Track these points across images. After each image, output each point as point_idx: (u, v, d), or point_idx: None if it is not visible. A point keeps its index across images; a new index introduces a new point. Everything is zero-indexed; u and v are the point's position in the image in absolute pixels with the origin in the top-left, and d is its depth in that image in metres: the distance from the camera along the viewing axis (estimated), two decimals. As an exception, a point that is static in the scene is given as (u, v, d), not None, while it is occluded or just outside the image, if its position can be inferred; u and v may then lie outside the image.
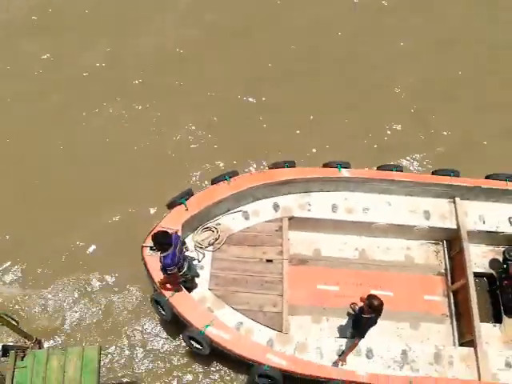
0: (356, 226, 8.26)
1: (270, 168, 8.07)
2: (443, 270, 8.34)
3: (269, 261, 7.81)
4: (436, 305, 8.10)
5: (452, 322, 7.92)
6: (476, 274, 8.32)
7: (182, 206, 7.43)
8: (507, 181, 8.04)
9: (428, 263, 8.42)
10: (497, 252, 8.44)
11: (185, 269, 6.48)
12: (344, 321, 7.86)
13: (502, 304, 8.05)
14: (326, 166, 8.15)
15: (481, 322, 7.92)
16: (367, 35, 11.26)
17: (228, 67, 10.71)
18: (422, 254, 8.47)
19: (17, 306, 8.06)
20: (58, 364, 5.96)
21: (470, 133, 9.96)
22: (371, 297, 6.17)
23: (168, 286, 6.78)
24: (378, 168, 8.25)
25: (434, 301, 8.15)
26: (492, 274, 8.32)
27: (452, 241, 8.31)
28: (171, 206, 7.47)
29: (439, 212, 8.21)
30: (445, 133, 10.04)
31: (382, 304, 6.09)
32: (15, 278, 8.38)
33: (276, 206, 8.14)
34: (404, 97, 10.39)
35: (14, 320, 6.32)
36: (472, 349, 7.21)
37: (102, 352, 6.76)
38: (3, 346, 6.05)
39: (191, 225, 7.69)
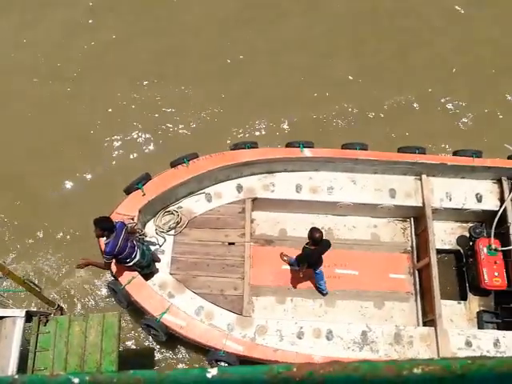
0: (321, 205, 8.15)
1: (231, 149, 7.88)
2: (410, 248, 8.29)
3: (231, 243, 7.75)
4: (401, 283, 8.09)
5: (416, 301, 7.93)
6: (444, 251, 8.34)
7: (139, 191, 7.30)
8: (474, 157, 7.86)
9: (395, 241, 8.36)
10: (465, 228, 8.38)
11: (137, 257, 6.41)
12: (308, 301, 7.89)
13: (467, 281, 8.04)
14: (288, 145, 7.97)
15: (447, 299, 7.99)
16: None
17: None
18: (389, 231, 8.40)
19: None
20: (80, 330, 6.15)
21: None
22: (312, 229, 6.63)
23: (122, 273, 6.73)
24: (343, 146, 8.06)
25: (399, 279, 8.13)
26: (459, 250, 8.28)
27: (419, 218, 8.21)
28: (128, 191, 7.35)
29: (405, 189, 8.08)
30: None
31: (321, 236, 6.59)
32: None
33: (239, 188, 8.01)
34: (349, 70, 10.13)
35: (37, 286, 6.48)
36: (433, 328, 7.23)
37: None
38: (27, 311, 6.20)
39: (152, 209, 7.59)
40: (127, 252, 6.18)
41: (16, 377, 1.28)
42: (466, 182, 8.12)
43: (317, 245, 6.69)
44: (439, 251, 8.28)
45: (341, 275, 8.11)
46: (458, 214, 8.18)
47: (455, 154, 8.03)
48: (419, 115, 9.69)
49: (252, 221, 8.26)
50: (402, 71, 10.13)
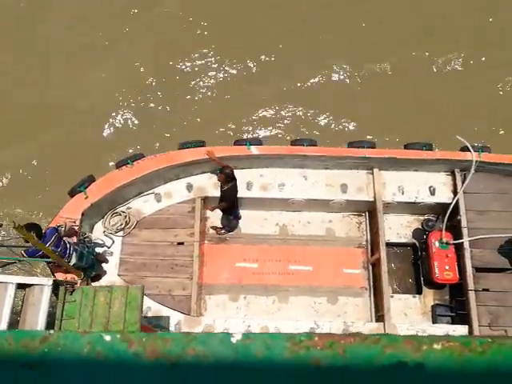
0: (274, 202, 8.10)
1: (179, 148, 7.83)
2: (364, 242, 8.23)
3: (180, 243, 7.73)
4: (355, 278, 8.04)
5: (370, 296, 7.88)
6: (400, 245, 8.28)
7: (82, 193, 7.29)
8: (424, 149, 7.75)
9: (349, 236, 8.29)
10: (421, 221, 8.29)
11: (73, 261, 6.42)
12: (261, 298, 7.87)
13: (422, 275, 7.97)
14: (237, 143, 7.91)
15: (402, 293, 7.96)
16: None
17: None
18: (343, 226, 8.34)
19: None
20: (105, 300, 6.25)
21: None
22: (221, 170, 7.03)
23: (63, 275, 6.75)
24: (292, 143, 7.99)
25: (353, 274, 8.08)
26: (415, 243, 8.20)
27: (372, 212, 8.14)
28: (71, 193, 7.34)
29: (357, 184, 8.00)
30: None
31: (232, 169, 7.00)
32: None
33: (189, 187, 7.98)
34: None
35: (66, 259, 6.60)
36: (382, 323, 7.19)
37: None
38: (54, 280, 6.33)
39: (98, 211, 7.58)
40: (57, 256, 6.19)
41: (51, 331, 1.37)
42: (420, 174, 8.01)
43: (232, 180, 7.03)
44: (395, 244, 8.25)
45: (294, 271, 8.07)
46: (412, 207, 8.09)
47: (406, 146, 7.92)
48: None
49: (206, 219, 8.26)
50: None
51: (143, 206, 7.88)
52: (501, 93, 9.37)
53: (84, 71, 9.71)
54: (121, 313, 6.15)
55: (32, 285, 6.29)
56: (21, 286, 6.29)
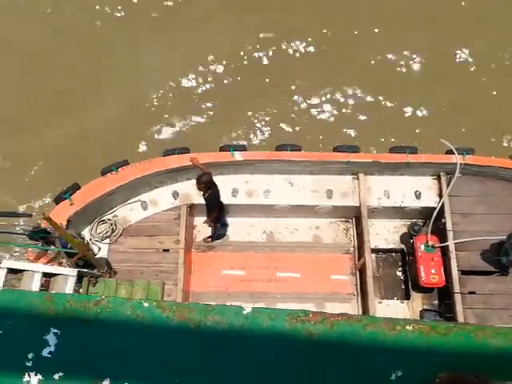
0: (260, 208, 8.12)
1: (163, 155, 7.91)
2: (352, 248, 8.20)
3: (165, 250, 7.74)
4: (343, 284, 8.00)
5: (357, 301, 7.83)
6: (388, 250, 8.23)
7: (67, 200, 7.35)
8: (408, 153, 7.76)
9: (337, 242, 8.27)
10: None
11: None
12: (248, 305, 7.81)
13: (409, 280, 7.91)
14: (222, 149, 7.97)
15: (391, 299, 7.89)
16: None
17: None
18: (331, 232, 8.32)
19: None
20: (126, 293, 6.49)
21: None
22: (197, 179, 6.81)
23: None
24: (276, 148, 8.04)
25: (341, 280, 8.04)
26: (403, 249, 8.16)
27: (359, 218, 8.12)
28: (56, 201, 7.41)
29: (342, 189, 8.01)
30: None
31: (210, 175, 6.81)
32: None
33: (175, 194, 8.02)
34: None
35: (91, 250, 6.87)
36: (367, 328, 7.11)
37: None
38: (79, 271, 6.48)
39: (84, 219, 7.63)
40: None
41: (103, 297, 1.78)
42: (405, 179, 8.01)
43: (212, 185, 6.93)
44: (384, 250, 8.21)
45: (282, 278, 8.05)
46: (400, 212, 8.07)
47: (391, 150, 7.94)
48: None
49: (194, 227, 8.29)
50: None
51: (129, 213, 7.92)
52: (487, 96, 9.45)
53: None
54: None
55: (57, 274, 6.43)
56: (46, 275, 6.44)
